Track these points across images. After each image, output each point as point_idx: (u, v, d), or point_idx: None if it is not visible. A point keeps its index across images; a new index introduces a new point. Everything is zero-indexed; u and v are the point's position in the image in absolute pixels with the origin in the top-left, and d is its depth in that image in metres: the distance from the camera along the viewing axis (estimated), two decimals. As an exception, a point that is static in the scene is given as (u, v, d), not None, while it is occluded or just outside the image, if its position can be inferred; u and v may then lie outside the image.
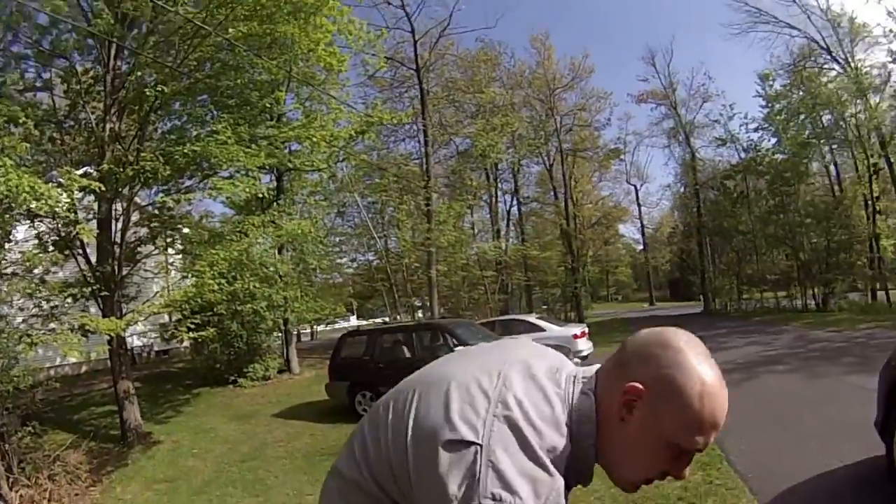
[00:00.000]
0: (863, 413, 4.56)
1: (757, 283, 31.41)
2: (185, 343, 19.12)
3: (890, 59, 23.10)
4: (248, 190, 11.10)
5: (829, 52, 25.21)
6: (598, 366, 1.20)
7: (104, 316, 9.41)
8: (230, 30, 9.97)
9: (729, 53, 66.86)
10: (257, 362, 14.78)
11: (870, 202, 24.98)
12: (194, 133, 10.78)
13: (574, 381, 1.15)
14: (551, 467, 1.03)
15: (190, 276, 10.94)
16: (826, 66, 25.99)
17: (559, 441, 1.06)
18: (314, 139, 12.84)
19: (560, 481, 1.04)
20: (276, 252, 14.66)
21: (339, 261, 26.89)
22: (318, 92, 14.32)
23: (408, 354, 10.58)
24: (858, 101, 24.03)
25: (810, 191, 29.00)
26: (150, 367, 17.67)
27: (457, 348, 9.64)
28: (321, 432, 9.70)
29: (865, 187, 25.03)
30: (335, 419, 10.31)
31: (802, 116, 26.37)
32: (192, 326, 11.27)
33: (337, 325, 28.84)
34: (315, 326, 29.68)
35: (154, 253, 12.21)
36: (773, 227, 28.43)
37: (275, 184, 15.65)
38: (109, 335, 9.20)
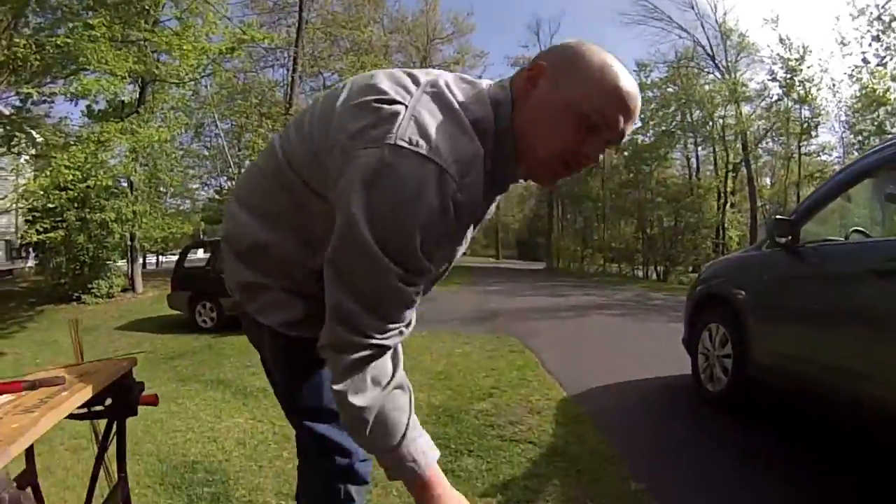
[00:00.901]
0: (679, 348, 5.23)
1: (601, 249, 34.64)
2: (30, 263, 18.41)
3: (770, 79, 26.44)
4: (113, 90, 11.05)
5: (713, 60, 28.26)
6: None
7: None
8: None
9: (615, 39, 70.39)
10: (102, 279, 14.88)
11: (723, 195, 28.34)
12: (70, 26, 10.67)
13: (492, 82, 1.22)
14: (473, 134, 1.09)
15: (45, 172, 10.90)
16: (707, 70, 28.96)
17: (483, 114, 1.12)
18: (185, 49, 12.85)
19: (480, 151, 1.09)
20: (130, 161, 14.51)
21: (191, 185, 26.66)
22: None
23: None
24: (730, 106, 27.14)
25: (668, 175, 32.43)
26: (-7, 285, 17.17)
27: None
28: (161, 342, 10.14)
29: (721, 181, 28.31)
30: (175, 331, 10.87)
31: (673, 108, 29.33)
32: (41, 230, 11.43)
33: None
34: (161, 256, 29.30)
35: (7, 154, 12.16)
36: (624, 200, 31.74)
37: (138, 93, 15.44)
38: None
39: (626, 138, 1.18)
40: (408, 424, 1.12)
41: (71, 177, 10.02)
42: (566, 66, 1.12)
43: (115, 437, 1.89)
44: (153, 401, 1.87)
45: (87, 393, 1.45)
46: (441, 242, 1.11)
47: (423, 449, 1.13)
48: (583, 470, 3.24)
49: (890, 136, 21.58)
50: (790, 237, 3.68)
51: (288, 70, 26.40)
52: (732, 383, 4.18)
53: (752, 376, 3.98)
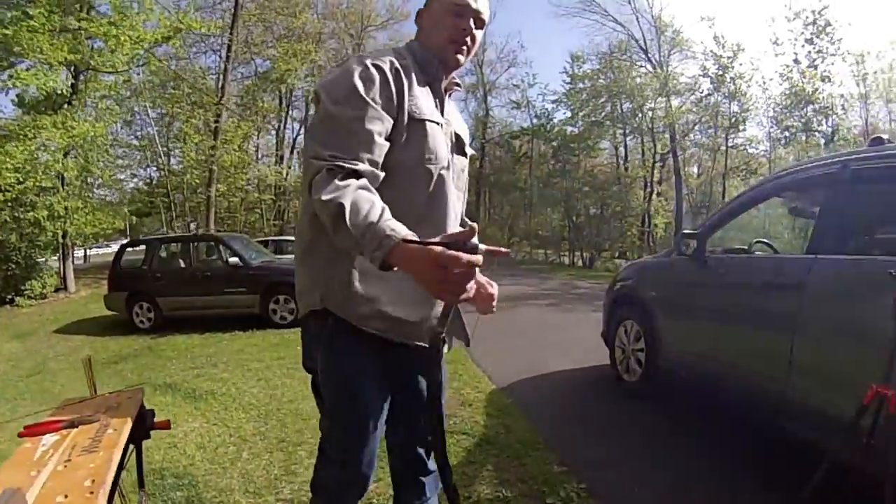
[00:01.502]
0: (600, 340, 5.73)
1: (528, 237, 35.37)
2: None
3: (701, 74, 27.56)
4: (48, 84, 10.92)
5: (646, 54, 29.15)
6: None
7: None
8: None
9: (550, 30, 71.00)
10: (35, 279, 14.63)
11: (650, 184, 29.26)
12: (9, 16, 10.39)
13: None
14: (389, 52, 1.65)
15: None
16: (639, 63, 29.84)
17: (398, 48, 1.74)
18: (121, 38, 12.70)
19: (392, 55, 1.63)
20: (62, 156, 14.30)
21: (119, 176, 26.13)
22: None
23: (184, 265, 11.23)
24: (660, 98, 28.14)
25: (597, 164, 33.47)
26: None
27: (231, 259, 10.66)
28: (101, 344, 10.10)
29: (648, 171, 29.17)
30: (114, 332, 10.82)
31: (603, 99, 30.21)
32: None
33: (109, 249, 27.84)
34: (88, 250, 28.59)
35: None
36: (551, 189, 32.40)
37: (71, 82, 15.06)
38: None
39: (486, 19, 1.73)
40: (382, 210, 1.31)
41: (12, 179, 9.90)
42: None
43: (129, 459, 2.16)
44: (166, 426, 2.18)
45: (126, 428, 1.72)
46: (383, 92, 1.53)
47: (397, 226, 1.28)
48: (512, 456, 3.70)
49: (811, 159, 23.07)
50: (696, 248, 4.20)
51: (220, 57, 26.09)
52: (645, 374, 4.73)
53: (661, 368, 4.52)
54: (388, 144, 1.50)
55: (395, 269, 1.26)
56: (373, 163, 1.46)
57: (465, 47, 1.70)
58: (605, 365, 5.60)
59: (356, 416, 1.67)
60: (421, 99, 1.62)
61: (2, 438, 4.53)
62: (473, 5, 1.67)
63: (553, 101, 32.77)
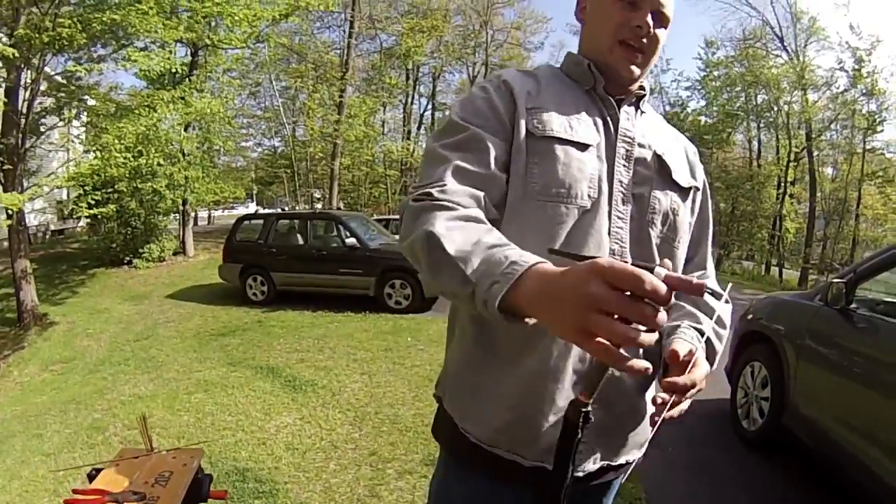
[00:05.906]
0: (721, 363, 5.43)
1: (658, 231, 34.20)
2: (82, 222, 19.12)
3: (838, 67, 25.24)
4: (162, 64, 11.22)
5: (782, 42, 27.04)
6: None
7: (5, 190, 9.77)
8: None
9: (681, 13, 68.02)
10: (153, 243, 15.30)
11: (783, 184, 27.48)
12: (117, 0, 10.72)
13: None
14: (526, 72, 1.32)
15: (95, 149, 11.20)
16: (775, 52, 27.77)
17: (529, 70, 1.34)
18: (237, 17, 12.80)
19: (518, 72, 1.29)
20: (183, 129, 14.91)
21: (244, 143, 27.08)
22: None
23: (301, 242, 11.33)
24: (796, 92, 26.20)
25: (729, 158, 31.66)
26: (45, 248, 17.76)
27: (348, 240, 10.74)
28: (212, 314, 10.40)
29: (782, 170, 27.45)
30: (226, 302, 11.11)
31: (738, 89, 28.52)
32: (93, 202, 11.68)
33: (235, 211, 29.12)
34: (212, 211, 29.79)
35: (59, 125, 12.44)
36: (683, 184, 31.00)
37: (189, 58, 15.63)
38: (10, 211, 9.62)
39: (670, 15, 1.23)
40: (499, 235, 0.96)
41: (122, 159, 10.30)
42: None
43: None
44: (221, 496, 2.08)
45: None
46: (486, 110, 1.19)
47: (524, 252, 0.87)
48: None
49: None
50: (843, 297, 3.55)
51: (343, 32, 26.48)
52: (766, 427, 4.22)
53: (785, 426, 3.98)
54: (499, 174, 1.15)
55: (527, 319, 0.83)
56: (471, 191, 1.11)
57: (638, 54, 1.23)
58: (724, 399, 5.07)
59: None
60: (552, 112, 1.20)
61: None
62: None
63: (687, 88, 31.32)
